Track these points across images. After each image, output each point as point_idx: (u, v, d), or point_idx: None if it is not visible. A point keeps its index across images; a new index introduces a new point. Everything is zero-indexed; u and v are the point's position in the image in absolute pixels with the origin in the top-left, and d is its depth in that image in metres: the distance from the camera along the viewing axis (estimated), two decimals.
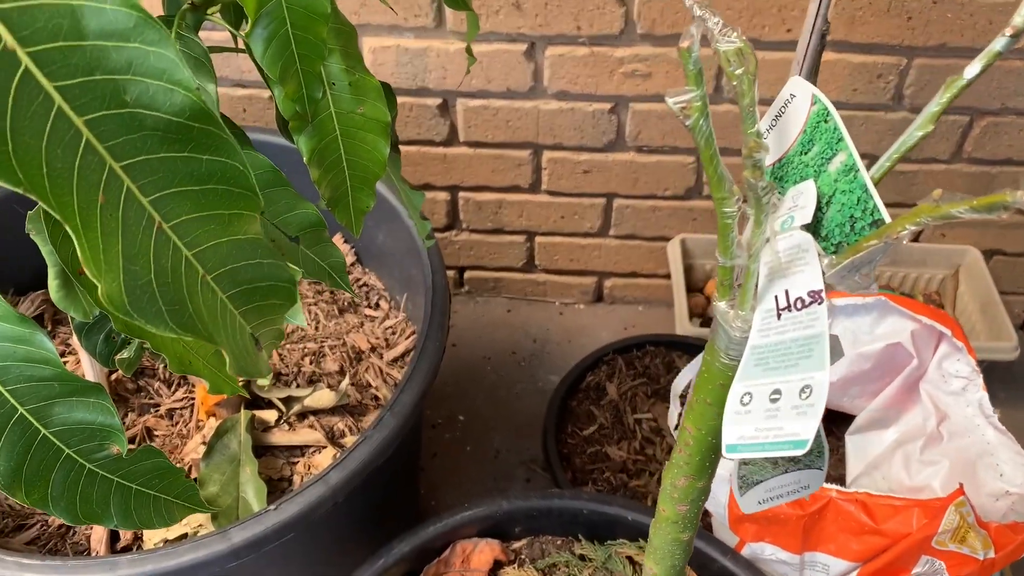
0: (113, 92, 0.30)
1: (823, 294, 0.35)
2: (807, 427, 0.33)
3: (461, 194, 1.40)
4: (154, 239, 0.32)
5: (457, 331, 1.52)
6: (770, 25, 1.14)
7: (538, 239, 1.46)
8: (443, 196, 1.40)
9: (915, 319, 0.89)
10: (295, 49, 0.52)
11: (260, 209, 0.37)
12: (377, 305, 1.11)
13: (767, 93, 1.21)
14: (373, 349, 1.04)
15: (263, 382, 0.97)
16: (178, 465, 0.97)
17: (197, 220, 0.34)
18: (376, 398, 1.00)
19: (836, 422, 1.03)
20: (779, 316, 0.37)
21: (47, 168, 0.28)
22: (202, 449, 0.94)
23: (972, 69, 0.33)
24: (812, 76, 0.77)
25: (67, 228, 0.28)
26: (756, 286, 0.38)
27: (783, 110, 0.40)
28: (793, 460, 0.45)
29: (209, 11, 0.59)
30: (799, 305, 0.36)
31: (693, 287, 1.41)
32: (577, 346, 1.49)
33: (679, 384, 0.89)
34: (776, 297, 0.37)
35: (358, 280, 1.13)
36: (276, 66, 0.52)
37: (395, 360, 1.03)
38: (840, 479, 1.00)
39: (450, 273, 1.53)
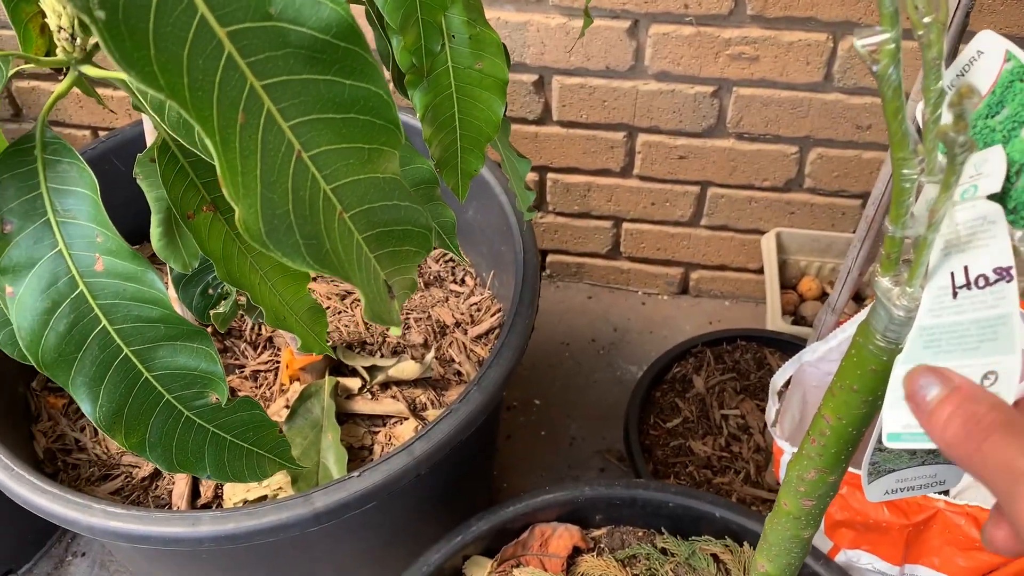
0: (258, 2, 0.28)
1: (1012, 271, 0.31)
2: None
3: (550, 175, 1.37)
4: (293, 168, 0.30)
5: (537, 315, 1.49)
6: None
7: (625, 225, 1.42)
8: (532, 176, 1.37)
9: None
10: None
11: (401, 145, 0.35)
12: (463, 281, 1.09)
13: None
14: (458, 324, 1.02)
15: (380, 337, 0.96)
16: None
17: (337, 152, 0.32)
18: (459, 373, 0.98)
19: None
20: (955, 295, 0.33)
21: (188, 79, 0.27)
22: (285, 413, 0.94)
23: None
24: (951, 58, 0.71)
25: (207, 143, 0.26)
26: (928, 261, 0.34)
27: (967, 68, 0.36)
28: (934, 452, 0.41)
29: None
30: (981, 283, 0.32)
31: (786, 284, 1.36)
32: (658, 337, 1.45)
33: (778, 380, 0.85)
34: (952, 274, 0.33)
35: (445, 254, 1.11)
36: (397, 13, 0.50)
37: (479, 337, 1.01)
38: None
39: None
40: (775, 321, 1.19)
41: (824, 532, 0.82)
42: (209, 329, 0.98)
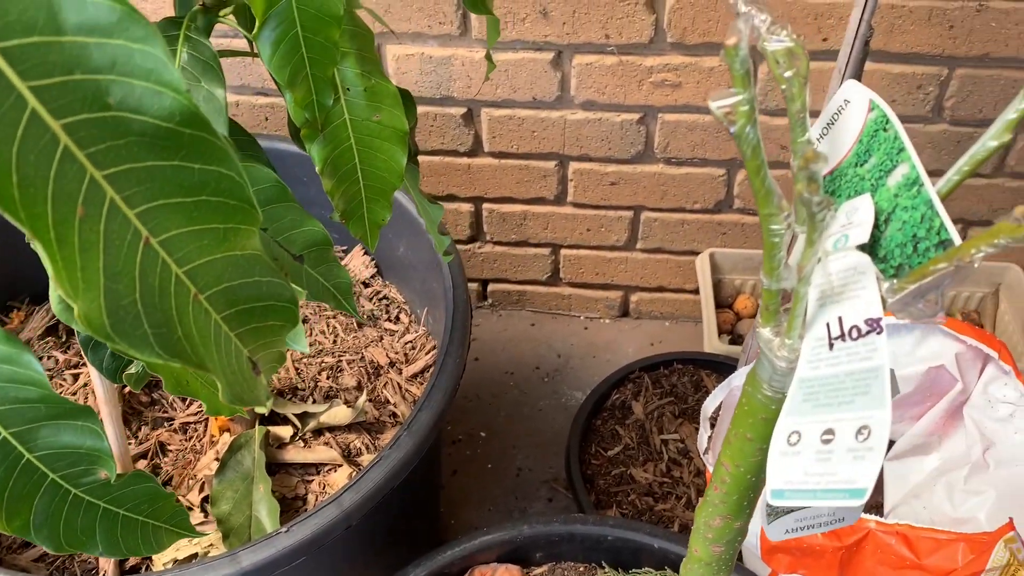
0: (95, 93, 0.27)
1: (882, 323, 0.31)
2: (865, 473, 0.29)
3: (485, 205, 1.37)
4: (140, 255, 0.29)
5: (479, 345, 1.49)
6: (806, 34, 1.10)
7: (563, 252, 1.42)
8: (467, 207, 1.37)
9: (959, 340, 0.85)
10: (305, 52, 0.49)
11: (259, 223, 0.34)
12: (397, 319, 1.08)
13: None
14: (392, 364, 1.01)
15: (261, 410, 0.95)
16: (191, 481, 0.94)
17: (189, 235, 0.31)
18: (394, 415, 0.97)
19: None
20: (831, 346, 0.33)
21: (18, 177, 0.25)
22: (215, 465, 0.92)
23: None
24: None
25: (37, 244, 0.25)
26: (805, 312, 0.34)
27: (836, 117, 0.36)
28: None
29: (221, 13, 0.56)
30: (854, 334, 0.32)
31: (722, 303, 1.37)
32: (602, 361, 1.45)
33: (708, 406, 0.85)
34: (828, 325, 0.33)
35: (378, 292, 1.10)
36: (284, 70, 0.49)
37: (414, 376, 1.00)
38: (878, 507, 0.95)
39: (473, 286, 1.50)
40: (712, 342, 1.20)
41: (761, 558, 0.82)
42: (126, 390, 0.95)
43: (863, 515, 0.80)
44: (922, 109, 1.18)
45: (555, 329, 1.52)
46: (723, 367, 1.15)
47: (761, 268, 0.34)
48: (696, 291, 1.43)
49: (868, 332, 0.32)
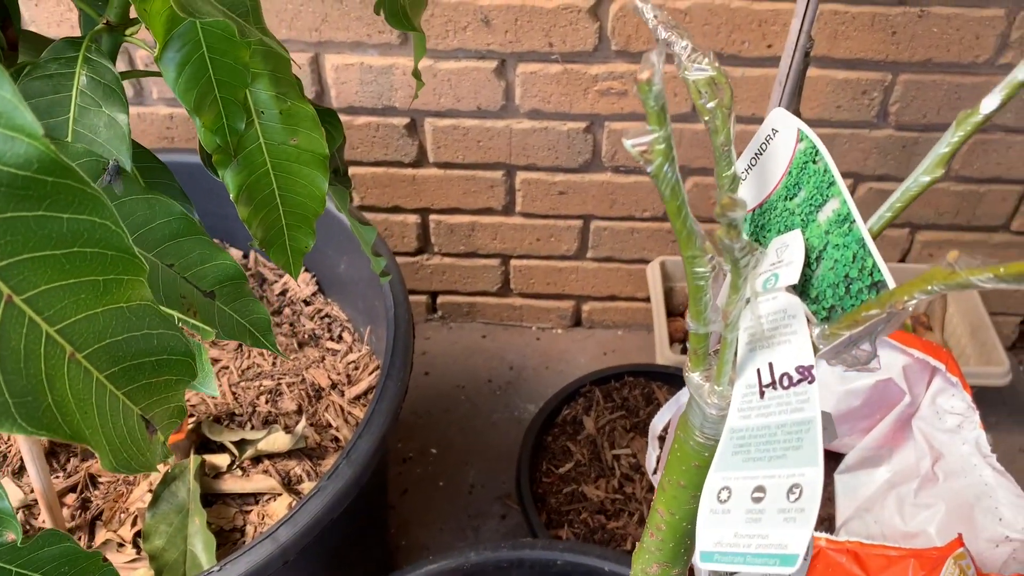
0: None
1: (814, 371, 0.29)
2: (797, 537, 0.27)
3: (432, 217, 1.34)
4: (1, 315, 0.26)
5: (430, 358, 1.46)
6: (751, 41, 1.09)
7: (513, 262, 1.40)
8: (413, 219, 1.34)
9: (907, 353, 0.84)
10: (213, 74, 0.46)
11: (145, 272, 0.31)
12: (340, 337, 1.05)
13: (748, 111, 1.16)
14: (334, 386, 0.98)
15: (220, 436, 0.91)
16: (122, 515, 0.90)
17: (62, 289, 0.28)
18: (336, 439, 0.94)
19: (825, 458, 0.97)
20: (762, 394, 0.31)
21: None
22: (148, 498, 0.88)
23: (990, 102, 0.27)
24: (796, 95, 0.71)
25: None
26: (735, 357, 0.32)
27: (764, 147, 0.34)
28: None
29: (128, 32, 0.53)
30: (785, 382, 0.30)
31: (673, 311, 1.36)
32: (555, 372, 1.43)
33: (657, 424, 0.83)
34: (759, 371, 0.31)
35: (320, 311, 1.07)
36: (191, 94, 0.46)
37: (357, 398, 0.97)
38: (829, 520, 0.94)
39: (422, 298, 1.47)
40: (663, 352, 1.19)
41: None
42: None
43: (814, 532, 0.79)
44: (867, 114, 1.17)
45: (507, 340, 1.49)
46: (674, 379, 1.14)
47: (687, 311, 0.32)
48: (648, 299, 1.42)
49: (799, 380, 0.30)
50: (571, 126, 1.20)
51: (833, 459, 0.95)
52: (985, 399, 1.40)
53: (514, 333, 1.50)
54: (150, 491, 0.89)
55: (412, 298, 1.46)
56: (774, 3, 1.06)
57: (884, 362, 0.83)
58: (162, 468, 0.91)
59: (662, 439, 0.87)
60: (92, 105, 0.47)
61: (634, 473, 1.04)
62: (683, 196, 0.28)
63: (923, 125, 1.18)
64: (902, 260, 1.37)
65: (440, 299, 1.47)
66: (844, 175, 1.24)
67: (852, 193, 1.26)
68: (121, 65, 1.15)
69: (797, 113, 0.71)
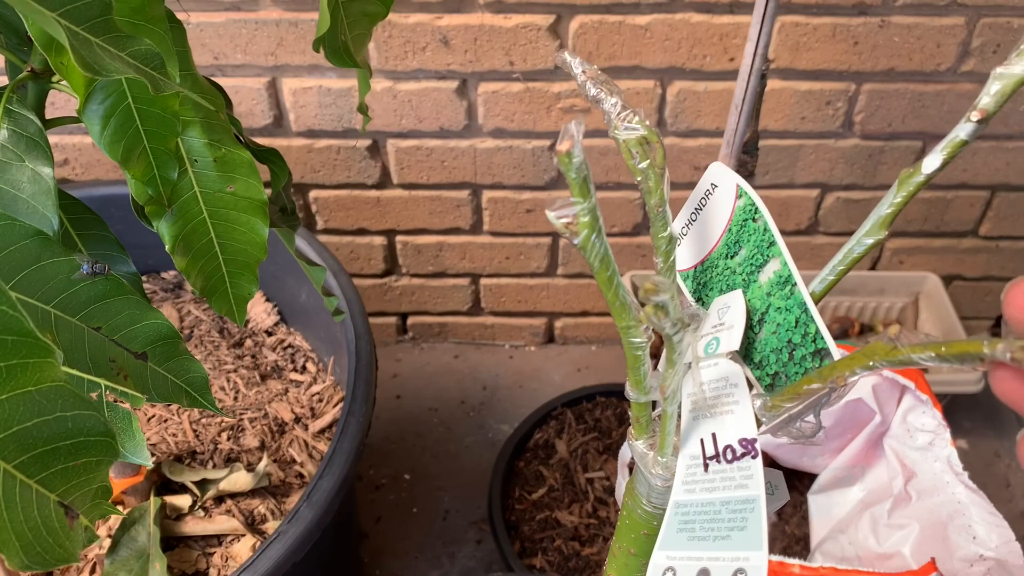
0: None
1: (757, 445, 0.28)
2: None
3: (399, 238, 1.32)
4: None
5: (401, 381, 1.44)
6: (712, 55, 1.08)
7: (483, 281, 1.38)
8: (380, 240, 1.32)
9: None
10: (140, 125, 0.44)
11: (52, 354, 0.29)
12: (304, 368, 1.03)
13: (712, 125, 1.15)
14: (298, 420, 0.96)
15: (183, 473, 0.88)
16: (81, 563, 0.88)
17: None
18: (301, 475, 0.92)
19: (799, 477, 0.96)
20: (706, 467, 0.29)
21: None
22: (107, 543, 0.85)
23: (931, 162, 0.26)
24: (754, 118, 0.70)
25: None
26: (678, 425, 0.30)
27: (704, 201, 0.32)
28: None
29: (55, 79, 0.51)
30: (729, 456, 0.29)
31: None
32: (529, 391, 1.41)
33: (626, 453, 0.82)
34: (702, 441, 0.30)
35: (282, 341, 1.04)
36: (118, 147, 0.44)
37: (322, 431, 0.95)
38: (804, 539, 0.93)
39: (392, 320, 1.45)
40: None
41: None
42: None
43: (787, 560, 0.77)
44: (832, 124, 1.17)
45: (480, 360, 1.47)
46: None
47: (626, 381, 0.30)
48: None
49: (743, 455, 0.28)
50: (536, 144, 1.18)
51: (807, 478, 0.94)
52: (960, 405, 1.40)
53: (486, 352, 1.48)
54: (109, 536, 0.86)
55: (382, 320, 1.44)
56: (735, 16, 1.06)
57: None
58: (121, 512, 0.88)
59: (631, 468, 0.85)
60: (15, 160, 0.45)
61: (608, 496, 1.03)
62: (613, 267, 0.27)
63: (888, 134, 1.17)
64: (873, 268, 1.36)
65: (410, 320, 1.45)
66: (811, 185, 1.23)
67: (819, 203, 1.26)
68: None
69: (756, 135, 0.70)
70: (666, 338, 0.27)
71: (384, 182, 1.24)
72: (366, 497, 1.27)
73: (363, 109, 0.59)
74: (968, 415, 1.37)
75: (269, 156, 0.57)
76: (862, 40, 1.08)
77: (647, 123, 0.29)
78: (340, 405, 0.97)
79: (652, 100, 1.13)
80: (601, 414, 1.11)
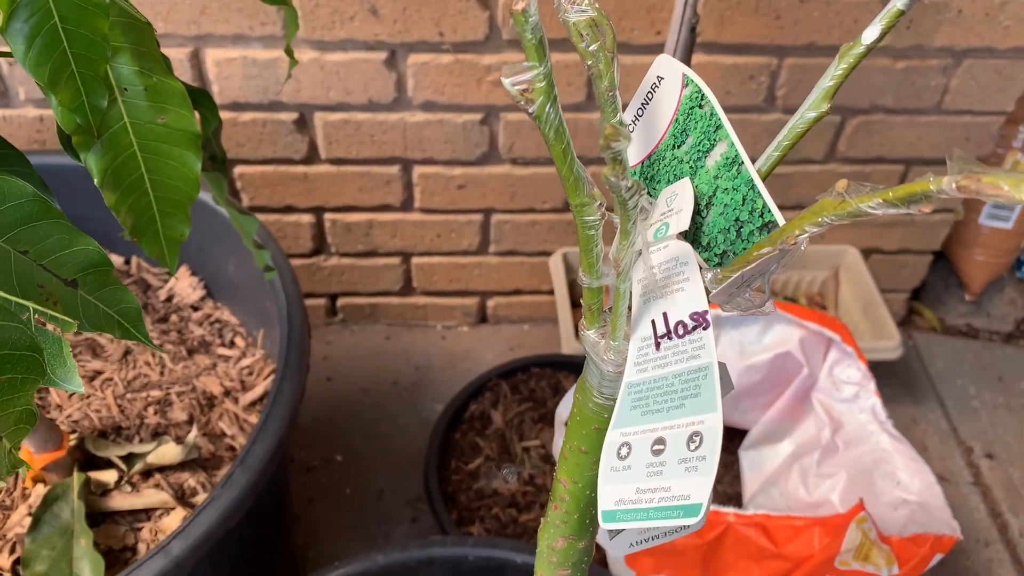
0: None
1: (708, 316, 0.28)
2: (699, 487, 0.26)
3: (327, 215, 1.30)
4: None
5: (332, 363, 1.42)
6: (639, 28, 1.10)
7: (414, 260, 1.38)
8: (307, 218, 1.30)
9: (802, 326, 0.85)
10: (68, 47, 0.43)
11: None
12: (232, 343, 1.00)
13: None
14: (227, 393, 0.93)
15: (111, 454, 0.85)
16: (0, 542, 0.84)
17: None
18: (232, 448, 0.89)
19: (730, 437, 0.99)
20: (658, 346, 0.30)
21: None
22: (28, 522, 0.82)
23: (870, 33, 0.27)
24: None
25: None
26: (630, 309, 0.31)
27: (650, 96, 0.33)
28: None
29: None
30: (680, 331, 0.29)
31: (577, 302, 1.36)
32: (461, 371, 1.41)
33: (563, 410, 0.83)
34: (653, 322, 0.30)
35: (209, 316, 1.02)
36: (44, 68, 0.42)
37: (253, 404, 0.93)
38: (737, 497, 0.95)
39: (321, 301, 1.43)
40: (569, 343, 1.18)
41: (625, 563, 0.80)
42: None
43: (722, 508, 0.79)
44: (756, 99, 1.20)
45: (412, 341, 1.46)
46: (581, 368, 1.13)
47: (579, 265, 0.30)
48: (552, 292, 1.41)
49: (694, 328, 0.29)
50: (467, 118, 1.18)
51: (738, 436, 0.96)
52: (878, 373, 1.45)
53: (418, 333, 1.48)
54: (29, 514, 0.82)
55: (310, 301, 1.42)
56: None
57: (781, 336, 0.84)
58: (42, 489, 0.84)
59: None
60: None
61: (544, 464, 1.03)
62: (568, 139, 0.27)
63: None
64: None
65: (340, 301, 1.43)
66: None
67: None
68: None
69: None
70: (620, 205, 0.27)
71: (312, 157, 1.22)
72: (298, 479, 1.25)
73: (289, 51, 0.58)
74: (886, 382, 1.42)
75: (200, 98, 0.55)
76: (784, 14, 1.11)
77: (596, 5, 0.29)
78: (271, 378, 0.95)
79: (582, 74, 1.14)
80: (536, 384, 1.12)
